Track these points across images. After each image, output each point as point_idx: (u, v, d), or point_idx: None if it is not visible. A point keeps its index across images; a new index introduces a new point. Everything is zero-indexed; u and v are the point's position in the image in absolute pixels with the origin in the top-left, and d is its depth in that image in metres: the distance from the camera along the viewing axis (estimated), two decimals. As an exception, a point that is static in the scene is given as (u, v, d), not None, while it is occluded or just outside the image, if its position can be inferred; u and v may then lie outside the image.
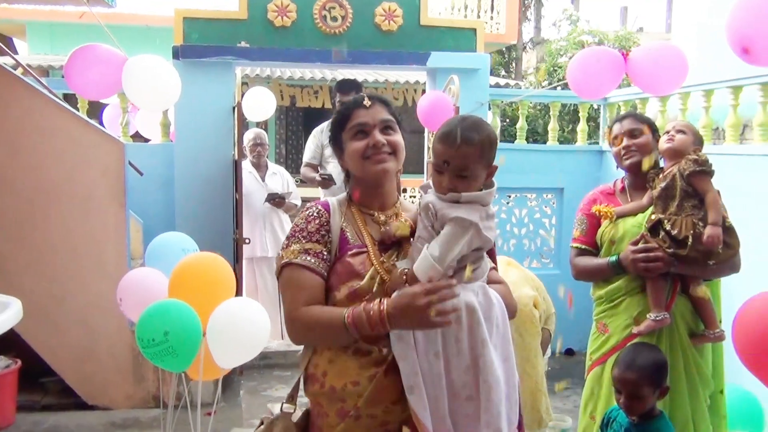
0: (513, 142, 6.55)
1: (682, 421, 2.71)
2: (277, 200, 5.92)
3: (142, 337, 3.23)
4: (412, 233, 1.84)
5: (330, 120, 2.00)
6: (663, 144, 2.79)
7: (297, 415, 1.90)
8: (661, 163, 2.91)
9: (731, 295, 2.82)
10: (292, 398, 1.96)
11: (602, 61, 3.52)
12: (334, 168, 5.28)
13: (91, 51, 4.07)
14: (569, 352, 6.13)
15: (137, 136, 6.61)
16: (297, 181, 6.71)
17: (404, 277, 1.72)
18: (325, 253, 1.82)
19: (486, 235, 1.74)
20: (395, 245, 1.86)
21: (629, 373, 2.46)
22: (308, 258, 1.80)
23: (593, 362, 2.94)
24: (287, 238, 1.88)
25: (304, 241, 1.82)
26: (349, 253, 1.82)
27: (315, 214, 1.87)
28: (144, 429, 4.59)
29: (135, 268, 4.24)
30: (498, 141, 1.79)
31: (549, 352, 5.14)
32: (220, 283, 3.51)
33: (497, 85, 11.02)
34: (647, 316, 2.70)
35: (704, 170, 2.66)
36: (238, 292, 4.11)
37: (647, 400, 2.46)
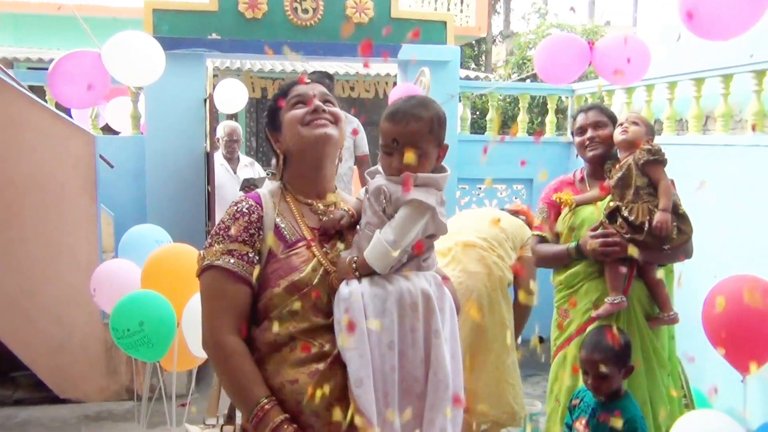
0: (483, 134, 6.64)
1: (641, 400, 2.81)
2: (251, 187, 5.91)
3: (117, 327, 3.25)
4: (354, 223, 1.77)
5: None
6: (618, 136, 2.88)
7: None
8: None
9: (689, 281, 2.92)
10: (230, 418, 1.81)
11: (569, 47, 3.61)
12: None
13: (71, 61, 4.05)
14: (540, 340, 6.23)
15: (107, 129, 6.55)
16: (268, 174, 6.72)
17: (353, 265, 1.63)
18: (252, 254, 1.67)
19: (441, 221, 1.68)
20: (337, 235, 1.77)
21: (596, 354, 2.55)
22: (231, 260, 1.64)
23: (557, 348, 3.04)
24: (210, 235, 1.72)
25: (228, 241, 1.66)
26: (287, 250, 1.69)
27: (244, 210, 1.72)
28: (118, 421, 4.59)
29: (108, 260, 4.24)
30: (447, 120, 1.73)
31: (519, 340, 5.26)
32: (192, 274, 3.53)
33: (467, 78, 11.11)
34: (605, 299, 2.80)
35: (657, 159, 2.78)
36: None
37: (613, 380, 2.55)
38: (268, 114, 1.85)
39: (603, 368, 2.52)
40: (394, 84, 7.18)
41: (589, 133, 2.97)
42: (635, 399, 2.74)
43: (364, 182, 5.64)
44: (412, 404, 1.61)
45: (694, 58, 4.42)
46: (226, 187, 5.96)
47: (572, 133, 3.12)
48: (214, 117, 5.60)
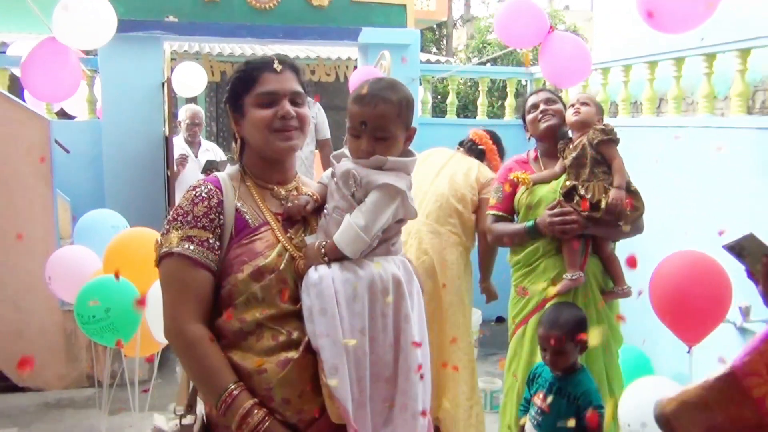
0: (444, 117, 6.68)
1: (598, 374, 2.90)
2: (213, 170, 5.87)
3: (82, 313, 3.21)
4: (318, 208, 1.74)
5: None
6: (570, 116, 2.96)
7: (197, 426, 1.69)
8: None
9: (640, 256, 3.02)
10: (190, 407, 1.74)
11: (529, 13, 3.69)
12: None
13: (43, 54, 3.96)
14: (500, 320, 6.35)
15: (62, 114, 6.42)
16: (229, 158, 6.67)
17: (322, 250, 1.61)
18: (212, 240, 1.62)
19: (411, 205, 1.68)
20: (301, 219, 1.73)
21: (553, 330, 2.62)
22: (191, 247, 1.59)
23: (516, 325, 3.10)
24: (168, 221, 1.66)
25: (187, 227, 1.61)
26: (250, 235, 1.65)
27: (203, 194, 1.66)
28: (79, 409, 4.55)
29: (62, 247, 4.18)
30: (414, 103, 1.73)
31: (480, 319, 5.35)
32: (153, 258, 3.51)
33: (428, 62, 11.14)
34: (563, 276, 2.87)
35: (611, 139, 2.87)
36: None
37: (570, 355, 2.63)
38: (230, 93, 1.75)
39: (560, 344, 2.60)
40: (355, 68, 7.17)
41: (542, 107, 3.05)
42: (592, 372, 2.84)
43: (325, 166, 5.72)
44: (383, 389, 1.61)
45: (648, 41, 4.51)
46: (187, 171, 5.90)
47: (523, 117, 3.19)
48: (173, 101, 5.53)
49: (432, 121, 6.42)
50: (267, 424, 1.52)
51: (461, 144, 3.89)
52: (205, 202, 1.64)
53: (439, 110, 11.19)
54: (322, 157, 5.68)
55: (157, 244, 1.66)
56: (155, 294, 3.32)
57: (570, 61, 3.70)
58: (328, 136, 5.72)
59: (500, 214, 3.13)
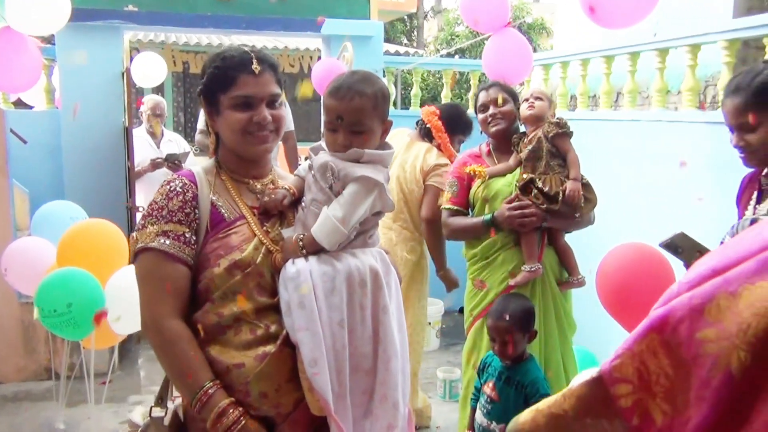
0: (409, 109, 6.72)
1: (555, 363, 2.98)
2: (175, 163, 5.82)
3: (43, 306, 3.17)
4: (295, 201, 1.74)
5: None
6: (525, 111, 3.01)
7: (168, 419, 1.71)
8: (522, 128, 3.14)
9: (594, 248, 3.09)
10: (161, 400, 1.76)
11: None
12: None
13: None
14: (462, 311, 6.42)
15: (19, 104, 6.32)
16: (195, 150, 6.62)
17: (300, 243, 1.61)
18: (188, 234, 1.63)
19: (388, 198, 1.69)
20: (278, 213, 1.74)
21: (501, 321, 2.67)
22: (167, 242, 1.60)
23: (474, 317, 3.15)
24: (143, 217, 1.67)
25: (162, 222, 1.62)
26: (226, 229, 1.66)
27: (178, 189, 1.66)
28: (36, 401, 4.52)
29: (19, 238, 4.13)
30: (390, 97, 1.75)
31: (442, 310, 5.42)
32: (111, 250, 3.50)
33: (396, 53, 11.16)
34: (522, 268, 2.93)
35: (565, 132, 2.93)
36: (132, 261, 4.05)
37: (518, 344, 2.68)
38: (205, 88, 1.71)
39: (508, 333, 2.65)
40: (318, 58, 7.17)
41: (491, 110, 3.09)
42: (551, 362, 2.91)
43: (288, 158, 5.67)
44: (362, 380, 1.63)
45: (604, 36, 4.59)
46: (149, 161, 5.85)
47: (475, 111, 3.23)
48: (133, 91, 5.48)
49: (397, 113, 6.44)
50: (242, 424, 1.53)
51: (416, 123, 3.96)
52: (180, 197, 1.64)
53: (408, 102, 11.23)
54: (286, 150, 5.67)
55: (132, 239, 1.66)
56: (113, 286, 3.31)
57: (511, 60, 3.75)
58: (292, 128, 5.72)
59: (456, 208, 3.17)
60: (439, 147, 3.81)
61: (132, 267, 3.36)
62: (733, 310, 0.72)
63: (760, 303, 0.70)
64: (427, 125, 3.83)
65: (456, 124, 3.87)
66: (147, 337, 1.64)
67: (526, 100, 3.01)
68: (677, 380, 0.77)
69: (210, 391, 1.54)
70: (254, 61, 1.66)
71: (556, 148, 2.92)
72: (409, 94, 11.49)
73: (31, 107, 6.31)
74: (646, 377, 0.82)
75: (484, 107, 3.12)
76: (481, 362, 2.93)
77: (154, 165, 5.49)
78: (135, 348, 5.47)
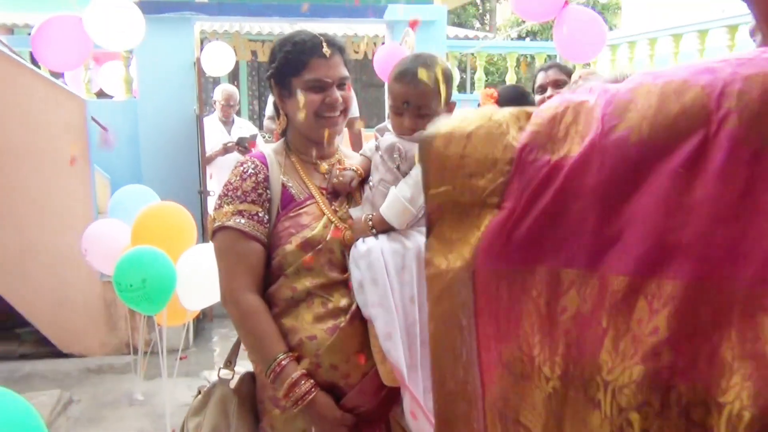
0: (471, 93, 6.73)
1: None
2: (246, 146, 6.02)
3: (120, 281, 3.38)
4: (362, 181, 1.78)
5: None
6: None
7: (234, 382, 1.82)
8: None
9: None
10: (229, 363, 1.86)
11: None
12: None
13: (54, 25, 4.15)
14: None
15: (101, 94, 6.67)
16: (264, 137, 6.82)
17: (369, 222, 1.66)
18: (261, 214, 1.71)
19: None
20: (346, 194, 1.79)
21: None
22: (242, 221, 1.68)
23: None
24: (219, 197, 1.75)
25: (237, 202, 1.70)
26: (297, 208, 1.72)
27: (251, 170, 1.73)
28: (118, 374, 4.80)
29: (97, 221, 4.39)
30: (453, 77, 1.76)
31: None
32: (181, 230, 3.69)
33: (466, 37, 11.09)
34: None
35: None
36: (204, 242, 4.27)
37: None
38: (277, 71, 1.76)
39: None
40: (383, 44, 7.24)
41: (549, 92, 3.08)
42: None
43: (353, 143, 5.76)
44: (429, 355, 1.70)
45: (673, 14, 4.48)
46: (221, 146, 6.10)
47: (533, 91, 3.22)
48: (204, 80, 5.70)
49: (458, 97, 6.46)
50: (313, 395, 1.61)
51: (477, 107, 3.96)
52: (253, 178, 1.71)
53: (474, 85, 11.17)
54: (351, 135, 5.77)
55: (210, 219, 1.76)
56: (183, 265, 3.50)
57: (583, 36, 3.70)
58: (357, 114, 5.79)
59: None
60: None
61: (200, 246, 3.55)
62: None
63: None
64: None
65: (514, 106, 3.87)
66: (226, 309, 1.73)
67: (575, 82, 2.99)
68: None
69: (283, 362, 1.62)
70: (324, 44, 1.71)
71: None
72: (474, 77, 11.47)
73: (111, 97, 6.65)
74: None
75: (542, 89, 3.11)
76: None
77: (225, 149, 5.71)
78: (209, 326, 5.73)
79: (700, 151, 0.64)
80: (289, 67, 1.72)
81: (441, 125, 0.87)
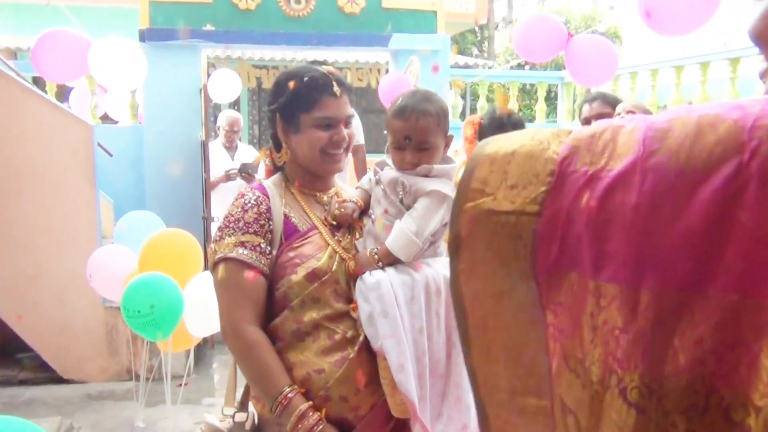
0: (475, 121, 6.75)
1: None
2: (249, 172, 6.04)
3: (128, 307, 3.37)
4: (361, 213, 1.81)
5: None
6: None
7: (249, 423, 1.76)
8: None
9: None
10: (243, 405, 1.81)
11: (546, 27, 3.74)
12: None
13: (56, 36, 4.20)
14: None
15: (106, 118, 6.70)
16: (265, 160, 6.83)
17: (375, 256, 1.68)
18: (264, 245, 1.69)
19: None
20: (347, 225, 1.81)
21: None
22: (245, 252, 1.66)
23: None
24: (220, 228, 1.72)
25: (240, 233, 1.68)
26: (300, 239, 1.72)
27: (252, 201, 1.72)
28: (119, 400, 4.76)
29: (102, 246, 4.39)
30: (449, 112, 1.83)
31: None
32: (188, 257, 3.70)
33: (466, 65, 11.20)
34: None
35: None
36: (207, 269, 4.25)
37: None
38: (286, 106, 1.76)
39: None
40: (387, 72, 7.30)
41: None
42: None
43: (358, 170, 5.75)
44: (437, 384, 1.70)
45: (674, 45, 4.54)
46: (224, 172, 6.13)
47: (582, 123, 3.23)
48: (210, 106, 5.74)
49: (460, 124, 6.49)
50: (321, 426, 1.58)
51: None
52: (255, 209, 1.70)
53: (475, 113, 11.25)
54: (356, 162, 5.77)
55: (211, 250, 1.72)
56: (190, 292, 3.50)
57: (596, 61, 3.73)
58: (362, 141, 5.78)
59: None
60: None
61: (207, 273, 3.54)
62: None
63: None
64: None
65: (493, 134, 3.90)
66: (226, 343, 1.70)
67: (618, 114, 3.01)
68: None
69: (289, 395, 1.59)
70: (334, 84, 1.74)
71: None
72: (476, 105, 11.54)
73: (115, 122, 6.68)
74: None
75: (587, 122, 3.12)
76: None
77: (228, 176, 5.73)
78: (210, 352, 5.70)
79: (736, 177, 0.69)
80: (299, 102, 1.74)
81: (486, 146, 0.94)
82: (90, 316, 5.00)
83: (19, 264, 4.81)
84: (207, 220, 5.63)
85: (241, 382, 1.82)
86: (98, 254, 3.95)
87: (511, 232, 0.86)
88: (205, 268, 4.33)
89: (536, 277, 0.85)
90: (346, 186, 1.97)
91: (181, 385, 4.48)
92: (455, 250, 0.93)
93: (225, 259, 1.67)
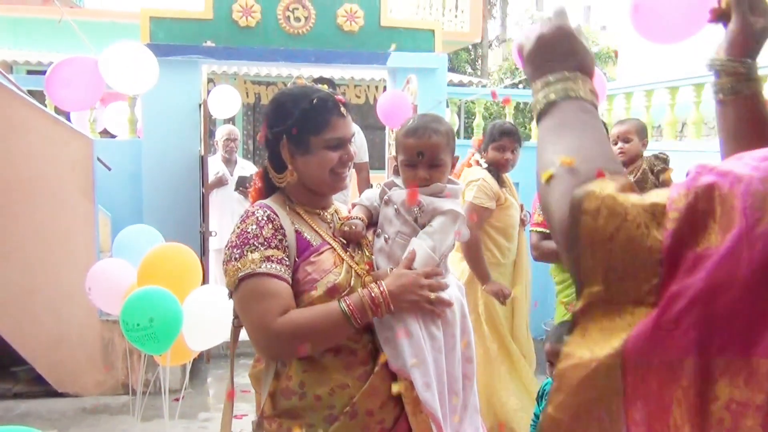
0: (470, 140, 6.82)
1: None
2: (246, 186, 6.09)
3: (128, 321, 3.38)
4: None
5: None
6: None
7: None
8: None
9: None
10: (260, 427, 1.78)
11: None
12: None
13: (68, 66, 4.24)
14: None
15: (105, 133, 6.73)
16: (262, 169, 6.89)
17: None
18: (286, 259, 1.69)
19: (466, 228, 1.84)
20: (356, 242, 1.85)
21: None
22: (273, 266, 1.65)
23: None
24: (238, 246, 1.68)
25: (263, 248, 1.66)
26: (315, 254, 1.73)
27: (266, 217, 1.72)
28: (114, 415, 4.75)
29: (102, 260, 4.40)
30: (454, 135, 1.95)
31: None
32: (188, 271, 3.72)
33: (461, 83, 11.29)
34: None
35: (667, 167, 3.06)
36: (206, 283, 4.30)
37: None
38: (296, 128, 1.75)
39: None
40: (384, 89, 7.37)
41: (619, 145, 3.25)
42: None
43: (361, 188, 5.79)
44: (453, 400, 1.76)
45: (668, 66, 4.62)
46: (223, 189, 6.17)
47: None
48: (209, 122, 5.78)
49: (460, 143, 6.54)
50: (384, 288, 1.65)
51: None
52: (270, 225, 1.70)
53: (471, 131, 11.33)
54: (359, 180, 5.80)
55: (232, 268, 1.67)
56: (188, 305, 3.52)
57: None
58: (366, 159, 5.80)
59: (547, 231, 3.28)
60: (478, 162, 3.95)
61: (207, 287, 3.56)
62: None
63: None
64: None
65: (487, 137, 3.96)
66: (273, 349, 1.69)
67: (615, 143, 3.12)
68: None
69: (347, 300, 1.64)
70: (341, 106, 1.79)
71: (659, 181, 3.05)
72: (472, 123, 11.64)
73: (114, 136, 6.71)
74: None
75: (614, 141, 3.26)
76: (540, 389, 2.97)
77: (220, 180, 5.80)
78: (205, 367, 5.69)
79: None
80: (309, 124, 1.74)
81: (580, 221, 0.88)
82: (86, 330, 4.99)
83: (15, 277, 4.81)
84: (205, 234, 5.65)
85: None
86: (98, 267, 3.97)
87: (626, 319, 0.81)
88: (205, 282, 4.38)
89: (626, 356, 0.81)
90: (340, 204, 2.01)
91: (177, 399, 4.48)
92: (573, 324, 0.87)
93: (253, 275, 1.64)
